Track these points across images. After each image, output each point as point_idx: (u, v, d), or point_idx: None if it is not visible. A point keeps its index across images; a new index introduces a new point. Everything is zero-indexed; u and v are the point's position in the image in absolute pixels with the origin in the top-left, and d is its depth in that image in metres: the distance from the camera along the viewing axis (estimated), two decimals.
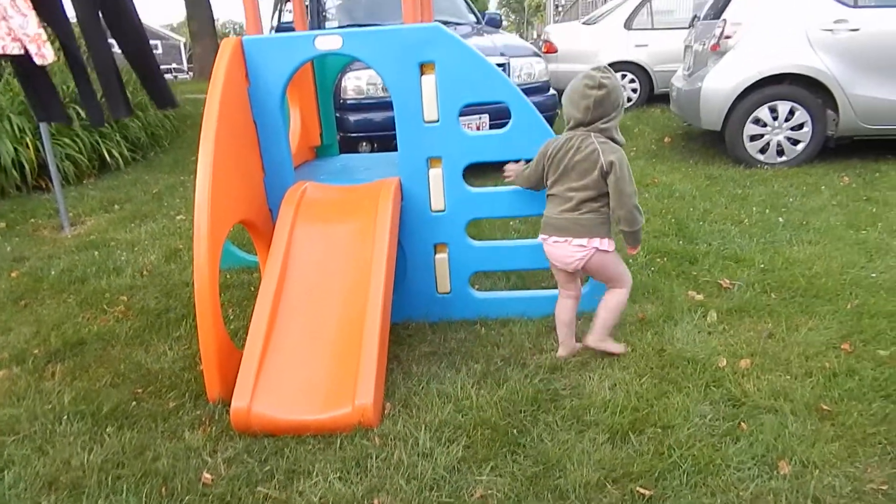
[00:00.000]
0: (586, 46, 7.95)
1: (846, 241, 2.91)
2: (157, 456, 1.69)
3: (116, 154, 5.78)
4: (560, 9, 25.82)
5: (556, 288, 2.55)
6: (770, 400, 1.73)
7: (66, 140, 5.33)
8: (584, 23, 8.67)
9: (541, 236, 2.07)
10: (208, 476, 1.60)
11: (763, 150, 4.60)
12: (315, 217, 2.21)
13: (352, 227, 2.19)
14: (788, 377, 1.84)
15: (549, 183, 2.04)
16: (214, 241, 1.90)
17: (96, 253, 3.50)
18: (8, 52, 3.10)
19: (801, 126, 4.48)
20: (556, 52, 8.00)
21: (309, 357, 1.90)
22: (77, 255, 3.49)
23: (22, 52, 3.14)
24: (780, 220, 3.31)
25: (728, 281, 2.53)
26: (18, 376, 2.20)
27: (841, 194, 3.71)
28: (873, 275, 2.50)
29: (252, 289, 2.88)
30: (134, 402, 1.97)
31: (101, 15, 3.22)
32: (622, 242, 2.02)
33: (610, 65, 7.74)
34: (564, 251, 2.00)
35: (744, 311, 2.27)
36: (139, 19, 3.33)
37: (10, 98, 5.19)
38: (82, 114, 3.56)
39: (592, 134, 1.92)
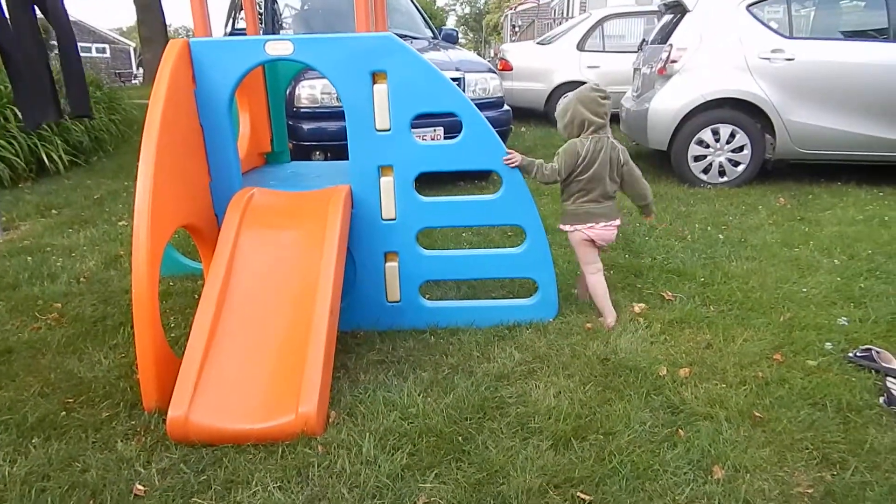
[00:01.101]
0: (540, 65, 8.14)
1: (781, 257, 3.06)
2: (87, 467, 1.61)
3: (56, 158, 5.54)
4: (517, 29, 26.38)
5: (504, 298, 2.59)
6: (706, 407, 1.78)
7: (2, 142, 5.08)
8: (538, 42, 8.88)
9: (587, 225, 2.35)
10: (140, 487, 1.54)
11: (706, 171, 4.79)
12: (262, 223, 2.17)
13: (300, 233, 2.16)
14: (724, 386, 1.91)
15: (578, 178, 2.33)
16: (154, 245, 1.84)
17: (30, 258, 3.34)
18: None
19: (741, 148, 4.69)
20: (511, 69, 8.16)
21: (252, 364, 1.86)
22: (9, 260, 3.32)
23: None
24: (721, 237, 3.44)
25: (670, 293, 2.61)
26: None
27: (777, 214, 3.90)
28: (804, 290, 2.62)
29: (196, 296, 2.79)
30: (63, 412, 1.88)
31: (35, 10, 3.11)
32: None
33: (562, 84, 8.07)
34: (612, 232, 2.43)
35: (684, 322, 2.34)
36: (67, 18, 3.21)
37: None
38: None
39: (609, 135, 2.34)
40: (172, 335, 2.39)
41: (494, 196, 2.34)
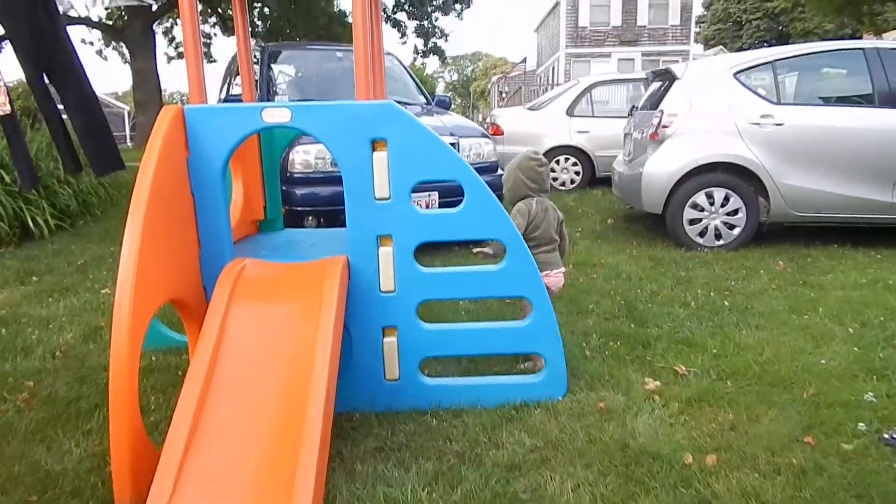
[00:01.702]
0: (531, 130, 8.27)
1: (791, 325, 2.95)
2: None
3: (41, 222, 5.42)
4: (504, 95, 27.20)
5: (509, 374, 2.44)
6: (742, 502, 1.62)
7: None
8: (528, 108, 9.05)
9: (542, 273, 2.34)
10: None
11: (702, 234, 4.76)
12: (253, 296, 2.04)
13: (294, 307, 2.02)
14: (757, 475, 1.75)
15: (532, 235, 2.50)
16: (136, 324, 1.70)
17: (4, 331, 3.15)
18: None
19: (736, 212, 4.67)
20: (502, 134, 8.27)
21: (239, 456, 1.68)
22: None
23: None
24: (726, 303, 3.35)
25: (683, 367, 2.48)
26: None
27: (779, 278, 3.83)
28: (822, 361, 2.51)
29: (179, 373, 2.62)
30: None
31: (45, 75, 3.07)
32: None
33: (553, 149, 8.18)
34: (561, 278, 2.61)
35: (703, 399, 2.20)
36: (87, 79, 3.19)
37: None
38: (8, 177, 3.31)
39: (547, 198, 2.63)
40: (151, 419, 2.21)
41: (498, 267, 2.23)
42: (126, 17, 16.00)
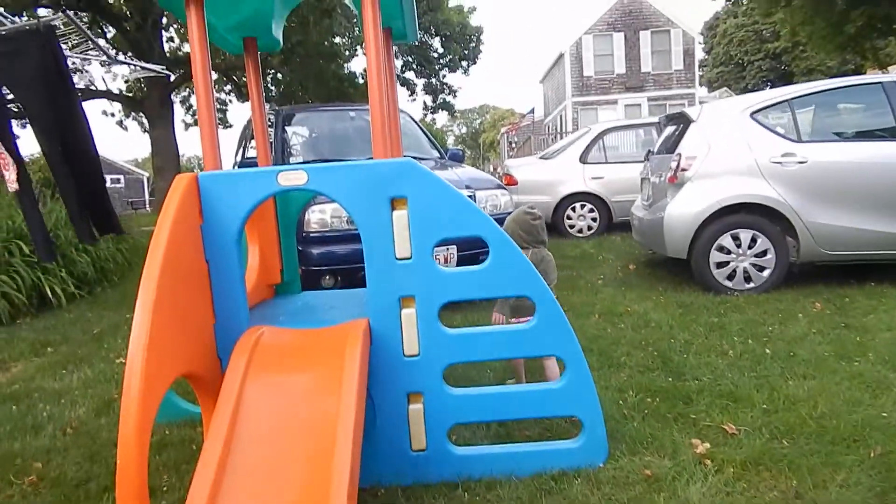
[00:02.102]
0: (545, 179, 8.26)
1: (841, 374, 2.76)
2: None
3: (59, 291, 5.41)
4: (514, 145, 27.55)
5: (544, 440, 2.28)
6: None
7: (3, 277, 4.97)
8: (541, 157, 9.07)
9: (524, 319, 2.41)
10: None
11: (730, 277, 4.60)
12: (271, 367, 1.93)
13: (314, 377, 1.91)
14: None
15: None
16: (146, 406, 1.59)
17: (15, 407, 3.06)
18: None
19: (764, 253, 4.52)
20: (516, 184, 8.26)
21: None
22: None
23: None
24: (767, 350, 3.17)
25: (732, 426, 2.30)
26: None
27: (818, 322, 3.64)
28: (884, 414, 2.31)
29: (194, 447, 2.49)
30: None
31: (58, 142, 3.12)
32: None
33: (569, 196, 8.13)
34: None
35: (759, 463, 2.02)
36: (96, 151, 3.24)
37: None
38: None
39: (545, 248, 2.74)
40: (163, 502, 2.07)
41: (528, 325, 2.11)
42: (145, 89, 16.59)
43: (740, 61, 39.30)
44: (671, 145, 5.16)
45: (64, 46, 3.49)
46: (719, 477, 1.95)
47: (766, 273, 4.54)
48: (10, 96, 3.27)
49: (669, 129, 5.53)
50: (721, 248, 4.59)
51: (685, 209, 4.65)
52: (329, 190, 2.07)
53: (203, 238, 2.03)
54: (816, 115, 4.91)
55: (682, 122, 5.12)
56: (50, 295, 5.32)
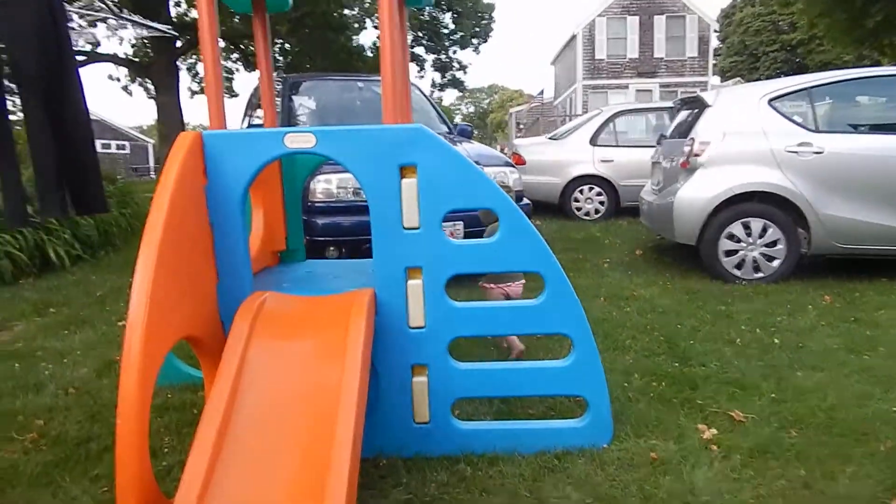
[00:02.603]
0: (554, 160, 8.18)
1: (851, 367, 2.72)
2: None
3: (62, 253, 5.37)
4: (521, 126, 27.30)
5: (546, 418, 2.26)
6: None
7: (7, 236, 4.93)
8: (550, 137, 8.97)
9: (505, 284, 2.62)
10: None
11: (739, 266, 4.54)
12: (274, 332, 1.90)
13: (318, 345, 1.88)
14: None
15: None
16: (147, 366, 1.56)
17: (17, 365, 3.05)
18: None
19: (775, 243, 4.46)
20: (524, 163, 8.17)
21: None
22: None
23: None
24: (775, 340, 3.13)
25: (739, 413, 2.26)
26: None
27: (828, 315, 3.59)
28: (895, 409, 2.28)
29: (195, 411, 2.47)
30: None
31: (45, 107, 3.03)
32: None
33: (577, 178, 8.05)
34: (520, 289, 2.84)
35: (767, 451, 1.99)
36: (87, 116, 3.14)
37: None
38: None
39: None
40: (164, 463, 2.06)
41: (537, 301, 2.07)
42: (152, 54, 16.41)
43: (755, 52, 38.70)
44: (685, 130, 5.07)
45: (68, 6, 3.40)
46: (726, 463, 1.92)
47: (775, 263, 4.49)
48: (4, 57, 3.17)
49: (683, 114, 5.43)
50: (731, 237, 4.53)
51: (696, 195, 4.58)
52: (337, 154, 2.01)
53: (207, 199, 1.98)
54: (835, 105, 4.82)
55: (697, 106, 5.03)
56: (53, 256, 5.29)
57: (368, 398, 1.91)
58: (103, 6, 4.42)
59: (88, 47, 14.57)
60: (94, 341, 3.43)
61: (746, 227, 4.50)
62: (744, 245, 4.51)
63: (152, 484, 1.58)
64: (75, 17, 4.42)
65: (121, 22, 4.95)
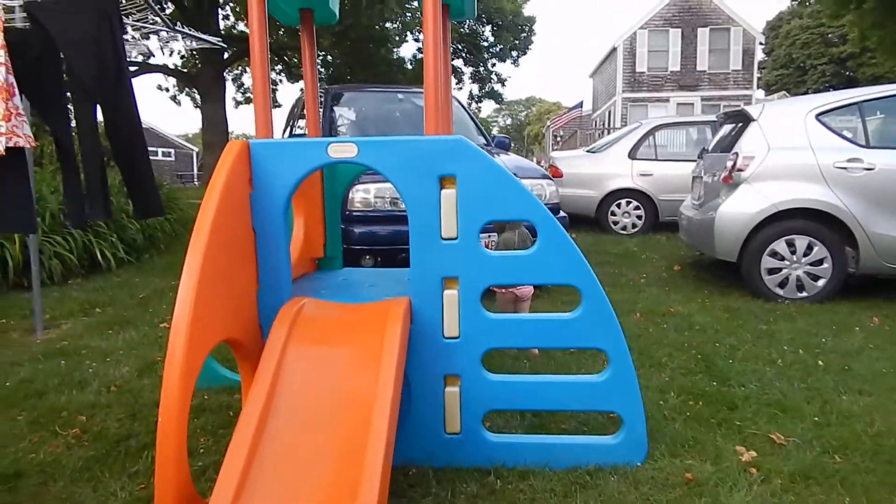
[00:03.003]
0: (592, 173, 8.12)
1: None
2: None
3: (109, 255, 5.58)
4: (559, 139, 27.17)
5: (580, 434, 2.23)
6: None
7: (58, 238, 5.14)
8: (588, 150, 8.90)
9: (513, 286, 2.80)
10: None
11: (782, 285, 4.41)
12: (311, 338, 1.93)
13: (354, 351, 1.90)
14: None
15: None
16: (189, 368, 1.60)
17: (63, 362, 3.16)
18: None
19: (820, 262, 4.32)
20: (561, 176, 8.13)
21: None
22: (42, 363, 3.15)
23: (28, 145, 3.02)
24: (819, 363, 3.02)
25: (780, 436, 2.19)
26: None
27: (876, 337, 3.46)
28: None
29: (231, 413, 2.52)
30: None
31: (98, 115, 3.15)
32: None
33: (615, 192, 7.96)
34: (531, 289, 3.10)
35: (809, 476, 1.92)
36: (140, 124, 3.25)
37: None
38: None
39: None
40: (200, 464, 2.10)
41: (572, 315, 2.05)
42: (199, 65, 16.96)
43: (802, 65, 37.74)
44: (727, 144, 4.98)
45: (125, 19, 3.53)
46: (765, 487, 1.86)
47: (820, 283, 4.35)
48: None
49: (727, 128, 5.33)
50: (774, 254, 4.41)
51: (738, 210, 4.48)
52: (378, 164, 2.04)
53: (251, 206, 2.04)
54: (888, 121, 4.66)
55: (741, 120, 4.93)
56: (100, 258, 5.49)
57: (400, 406, 1.92)
58: (157, 19, 4.58)
59: (141, 58, 15.15)
60: (137, 342, 3.53)
61: (791, 244, 4.37)
62: (787, 263, 4.39)
63: (189, 483, 1.61)
64: (130, 29, 4.59)
65: (172, 34, 5.12)
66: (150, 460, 2.11)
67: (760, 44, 26.50)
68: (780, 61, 39.60)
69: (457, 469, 2.04)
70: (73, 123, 3.34)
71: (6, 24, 3.00)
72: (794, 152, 4.42)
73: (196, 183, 29.16)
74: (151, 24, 4.79)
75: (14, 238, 4.76)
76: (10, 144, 2.97)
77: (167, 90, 21.76)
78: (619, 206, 8.01)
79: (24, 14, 3.26)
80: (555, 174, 8.16)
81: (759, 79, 28.81)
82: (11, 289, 4.72)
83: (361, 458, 1.57)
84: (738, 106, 5.95)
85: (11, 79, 2.94)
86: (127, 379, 2.94)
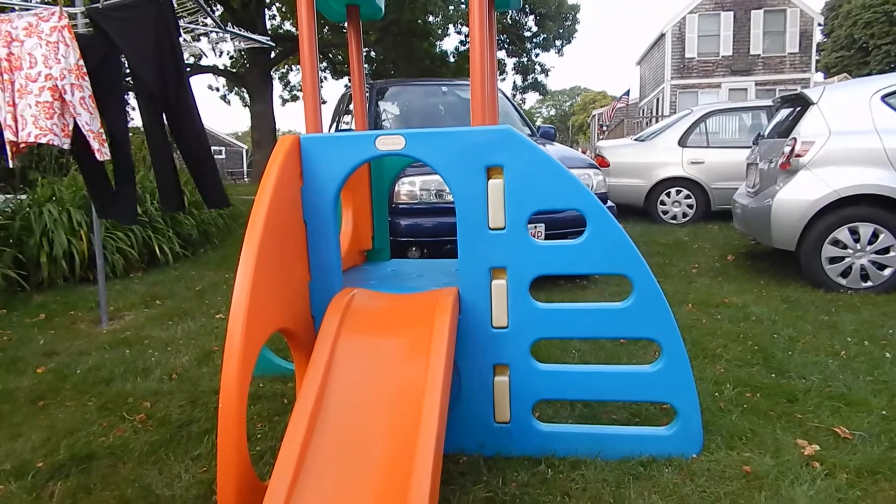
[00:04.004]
0: (640, 162, 7.93)
1: None
2: None
3: (167, 249, 5.81)
4: (605, 129, 26.66)
5: (631, 424, 2.20)
6: None
7: (120, 234, 5.39)
8: (636, 139, 8.71)
9: None
10: None
11: (845, 274, 4.22)
12: (362, 328, 1.96)
13: (404, 341, 1.92)
14: None
15: None
16: (247, 355, 1.65)
17: (128, 351, 3.32)
18: (52, 143, 3.12)
19: (887, 250, 4.12)
20: (608, 165, 7.98)
21: (346, 497, 1.57)
22: (108, 352, 3.32)
23: (66, 146, 3.17)
24: (886, 354, 2.89)
25: (845, 429, 2.11)
26: (14, 495, 1.92)
27: None
28: None
29: (286, 401, 2.60)
30: None
31: (164, 117, 3.30)
32: None
33: (664, 181, 7.77)
34: None
35: (877, 472, 1.84)
36: (201, 123, 3.38)
37: (73, 192, 5.33)
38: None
39: None
40: (258, 448, 2.17)
41: (624, 304, 2.02)
42: (248, 65, 17.39)
43: (864, 45, 35.79)
44: (785, 129, 4.78)
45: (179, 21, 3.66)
46: (829, 481, 1.80)
47: (887, 272, 4.14)
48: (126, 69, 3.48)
49: (784, 112, 5.12)
50: (836, 242, 4.22)
51: (797, 197, 4.30)
52: (425, 156, 2.05)
53: (302, 199, 2.08)
54: None
55: (800, 104, 4.72)
56: (158, 253, 5.73)
57: (450, 396, 1.93)
58: (208, 21, 4.72)
59: (192, 60, 15.65)
60: (195, 332, 3.67)
61: (854, 232, 4.18)
62: (850, 252, 4.19)
63: (249, 467, 1.67)
64: (182, 31, 4.76)
65: (222, 35, 5.27)
66: (211, 445, 2.19)
67: (819, 24, 25.27)
68: (840, 42, 37.66)
69: (507, 458, 2.05)
70: (139, 124, 3.52)
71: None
72: (858, 136, 4.22)
73: (246, 180, 29.97)
74: (202, 25, 4.93)
75: (81, 234, 5.01)
76: (50, 143, 3.14)
77: (217, 90, 22.42)
78: (668, 195, 7.81)
79: (87, 20, 3.43)
80: (601, 164, 8.02)
81: (817, 61, 27.49)
82: (79, 282, 4.97)
83: (413, 446, 1.59)
84: (796, 90, 5.70)
85: (66, 84, 3.08)
86: (186, 367, 3.06)
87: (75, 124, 3.14)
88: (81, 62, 3.12)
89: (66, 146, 3.16)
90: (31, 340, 3.56)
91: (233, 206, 6.51)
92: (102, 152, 3.19)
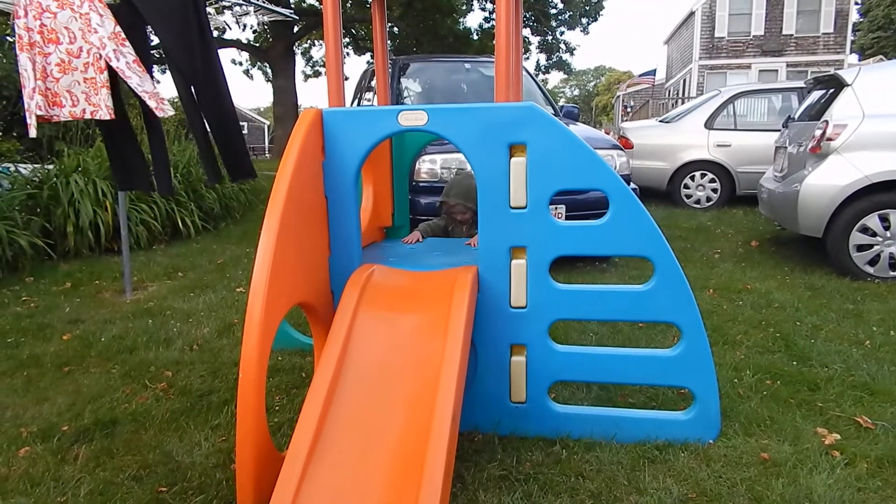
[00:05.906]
0: (665, 144, 7.79)
1: None
2: None
3: (189, 223, 5.88)
4: (629, 110, 26.20)
5: (647, 408, 2.19)
6: None
7: (144, 206, 5.46)
8: (661, 120, 8.54)
9: None
10: None
11: (873, 262, 4.13)
12: (381, 304, 1.97)
13: (422, 318, 1.92)
14: None
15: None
16: (267, 327, 1.67)
17: (150, 321, 3.38)
18: (97, 116, 3.16)
19: None
20: (632, 147, 7.85)
21: (361, 471, 1.59)
22: (132, 321, 3.38)
23: (109, 116, 3.19)
24: None
25: (867, 419, 2.07)
26: (40, 456, 1.98)
27: None
28: None
29: (303, 374, 2.63)
30: None
31: (193, 90, 3.30)
32: None
33: (689, 163, 7.62)
34: None
35: None
36: (229, 93, 3.38)
37: (99, 164, 5.40)
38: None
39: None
40: (276, 420, 2.21)
41: (644, 287, 2.00)
42: (271, 40, 17.34)
43: None
44: (817, 112, 4.65)
45: None
46: (849, 471, 1.77)
47: None
48: (154, 41, 3.48)
49: (816, 94, 4.98)
50: (865, 230, 4.12)
51: (826, 182, 4.20)
52: (448, 132, 2.03)
53: (324, 174, 2.08)
54: None
55: (833, 86, 4.58)
56: (181, 226, 5.80)
57: (467, 374, 1.94)
58: None
59: (216, 33, 15.65)
60: (216, 304, 3.72)
61: (884, 219, 4.07)
62: (880, 240, 4.09)
63: (267, 438, 1.70)
64: (207, 4, 4.75)
65: (245, 9, 5.25)
66: (230, 415, 2.23)
67: (856, 3, 24.39)
68: (877, 22, 36.31)
69: (522, 438, 2.06)
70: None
71: None
72: (893, 120, 4.08)
73: (267, 155, 30.10)
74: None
75: (106, 205, 5.09)
76: (97, 117, 3.17)
77: (240, 64, 22.41)
78: (692, 178, 7.68)
79: None
80: (625, 145, 7.89)
81: (852, 42, 26.60)
82: (104, 252, 5.06)
83: (429, 423, 1.60)
84: (829, 71, 5.53)
85: (108, 52, 3.10)
86: (207, 339, 3.11)
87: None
88: (118, 28, 3.13)
89: (107, 117, 3.21)
90: (57, 308, 3.64)
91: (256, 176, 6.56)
92: (163, 108, 3.22)
